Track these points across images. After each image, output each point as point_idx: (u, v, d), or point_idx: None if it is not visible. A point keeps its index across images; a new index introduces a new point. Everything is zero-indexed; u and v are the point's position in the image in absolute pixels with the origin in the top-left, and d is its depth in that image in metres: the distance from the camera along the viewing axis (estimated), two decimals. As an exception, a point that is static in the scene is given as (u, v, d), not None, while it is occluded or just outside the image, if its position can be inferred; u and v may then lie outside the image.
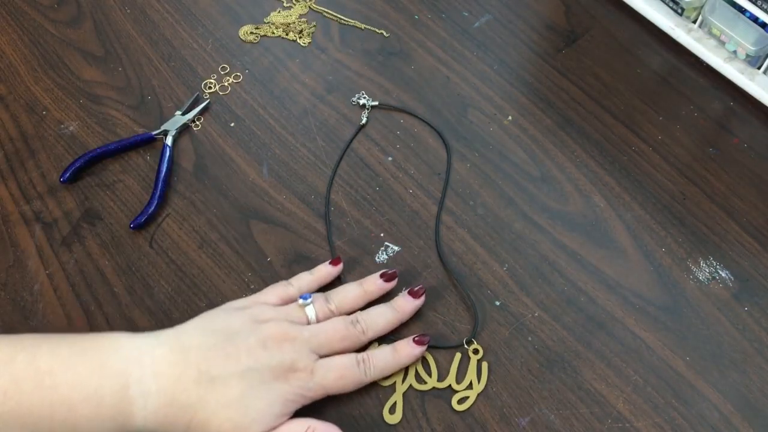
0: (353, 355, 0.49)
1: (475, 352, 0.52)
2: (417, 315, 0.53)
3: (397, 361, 0.50)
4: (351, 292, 0.52)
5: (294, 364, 0.46)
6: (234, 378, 0.45)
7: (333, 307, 0.51)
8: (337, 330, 0.49)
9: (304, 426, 0.46)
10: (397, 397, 0.50)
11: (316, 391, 0.47)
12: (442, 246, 0.56)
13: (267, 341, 0.46)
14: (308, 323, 0.49)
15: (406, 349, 0.50)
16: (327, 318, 0.50)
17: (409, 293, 0.52)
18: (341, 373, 0.48)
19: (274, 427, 0.45)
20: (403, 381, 0.50)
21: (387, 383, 0.50)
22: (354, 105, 0.64)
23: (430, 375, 0.51)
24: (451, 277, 0.55)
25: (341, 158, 0.61)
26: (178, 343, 0.46)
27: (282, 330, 0.47)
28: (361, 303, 0.52)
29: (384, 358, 0.49)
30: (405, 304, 0.52)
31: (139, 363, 0.44)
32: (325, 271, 0.54)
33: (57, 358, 0.43)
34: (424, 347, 0.50)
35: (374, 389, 0.50)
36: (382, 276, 0.52)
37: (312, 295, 0.51)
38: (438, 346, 0.52)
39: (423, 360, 0.51)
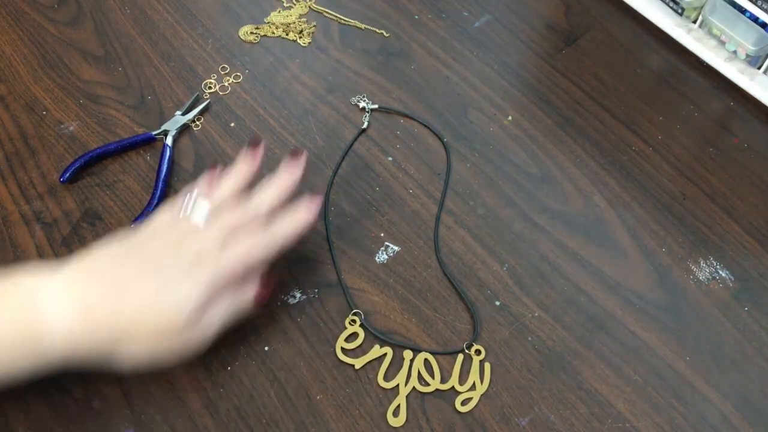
0: (256, 231, 0.49)
1: (477, 353, 0.52)
2: (416, 313, 0.53)
3: (297, 227, 0.50)
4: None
5: (200, 252, 0.46)
6: (145, 278, 0.45)
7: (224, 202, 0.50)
8: (232, 215, 0.49)
9: (226, 303, 0.47)
10: (401, 400, 0.50)
11: (228, 268, 0.47)
12: (441, 247, 0.56)
13: (169, 240, 0.47)
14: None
15: (301, 214, 0.51)
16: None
17: (290, 155, 0.52)
18: (247, 244, 0.48)
19: (200, 311, 0.46)
20: (406, 383, 0.50)
21: (389, 385, 0.50)
22: (354, 105, 0.64)
23: (432, 377, 0.51)
24: (452, 282, 0.55)
25: (342, 160, 0.61)
26: (83, 264, 0.46)
27: (180, 229, 0.48)
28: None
29: (284, 227, 0.50)
30: (285, 173, 0.52)
31: (47, 288, 0.44)
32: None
33: None
34: (317, 207, 0.51)
35: (374, 390, 0.50)
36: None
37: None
38: (440, 352, 0.52)
39: (425, 362, 0.51)
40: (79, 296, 0.44)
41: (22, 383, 0.45)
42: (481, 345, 0.52)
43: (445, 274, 0.55)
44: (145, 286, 0.45)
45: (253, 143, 0.52)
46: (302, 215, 0.51)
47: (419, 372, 0.51)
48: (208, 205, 0.49)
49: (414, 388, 0.50)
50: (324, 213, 0.58)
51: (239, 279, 0.48)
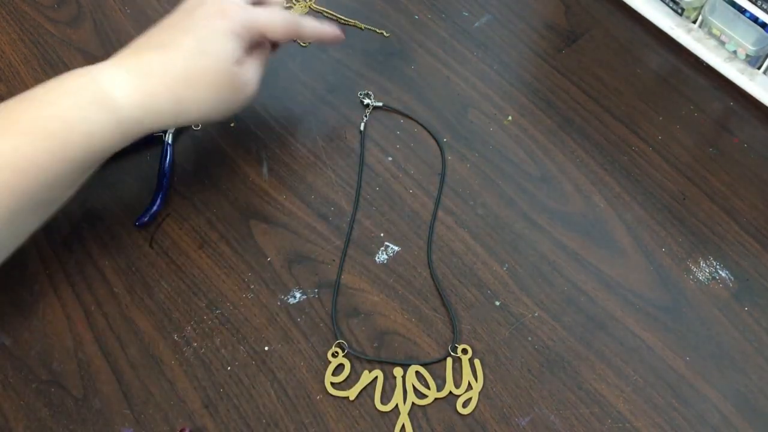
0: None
1: (465, 352, 0.51)
2: (416, 313, 0.53)
3: (321, 32, 0.57)
4: None
5: (223, 7, 0.51)
6: (183, 35, 0.50)
7: None
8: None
9: (266, 48, 0.55)
10: (404, 419, 0.49)
11: (254, 25, 0.52)
12: (441, 247, 0.56)
13: (194, 5, 0.52)
14: None
15: (330, 28, 0.57)
16: None
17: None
18: (275, 15, 0.53)
19: (241, 59, 0.52)
20: (405, 402, 0.50)
21: (388, 408, 0.50)
22: (356, 103, 0.64)
23: (428, 387, 0.50)
24: (437, 287, 0.55)
25: (360, 174, 0.61)
26: (123, 50, 0.51)
27: None
28: None
29: (313, 23, 0.56)
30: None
31: (98, 65, 0.50)
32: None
33: (35, 87, 0.49)
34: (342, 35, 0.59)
35: (371, 416, 0.50)
36: None
37: None
38: (425, 362, 0.52)
39: (417, 374, 0.51)
40: (133, 66, 0.49)
41: (107, 153, 0.50)
42: (480, 345, 0.52)
43: (434, 280, 0.55)
44: (183, 41, 0.50)
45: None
46: (330, 28, 0.57)
47: (414, 386, 0.50)
48: None
49: (413, 403, 0.50)
50: (324, 213, 0.58)
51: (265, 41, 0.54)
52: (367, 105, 0.63)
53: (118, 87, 0.48)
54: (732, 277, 0.55)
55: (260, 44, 0.54)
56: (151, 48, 0.50)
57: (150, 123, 0.50)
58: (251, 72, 0.52)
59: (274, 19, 0.53)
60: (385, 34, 0.69)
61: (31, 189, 0.47)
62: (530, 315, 0.53)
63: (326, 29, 0.57)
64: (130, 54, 0.50)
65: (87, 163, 0.49)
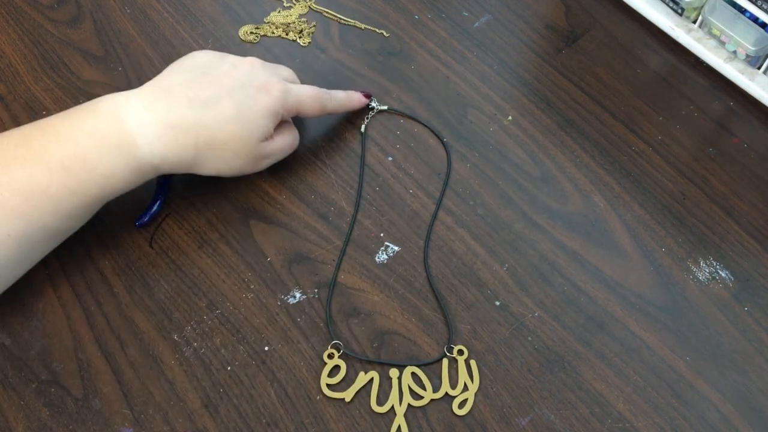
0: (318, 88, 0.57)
1: (461, 353, 0.51)
2: (416, 313, 0.53)
3: (348, 104, 0.61)
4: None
5: (268, 82, 0.53)
6: (223, 98, 0.51)
7: None
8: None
9: (294, 131, 0.57)
10: (400, 420, 0.49)
11: (293, 105, 0.54)
12: (441, 247, 0.56)
13: (238, 63, 0.53)
14: None
15: (357, 96, 0.61)
16: None
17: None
18: (312, 94, 0.56)
19: (269, 135, 0.54)
20: (401, 403, 0.50)
21: (384, 409, 0.49)
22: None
23: (424, 389, 0.50)
24: (433, 289, 0.55)
25: (361, 176, 0.61)
26: (159, 85, 0.51)
27: (248, 58, 0.55)
28: None
29: (340, 97, 0.59)
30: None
31: (127, 103, 0.50)
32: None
33: (57, 117, 0.50)
34: (368, 100, 0.62)
35: (371, 416, 0.50)
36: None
37: None
38: (421, 363, 0.52)
39: (413, 375, 0.51)
40: (164, 116, 0.49)
41: (122, 192, 0.51)
42: (480, 345, 0.52)
43: (429, 281, 0.55)
44: (224, 105, 0.50)
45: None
46: (357, 98, 0.61)
47: (410, 387, 0.50)
48: None
49: (409, 404, 0.50)
50: (325, 213, 0.58)
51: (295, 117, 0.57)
52: (372, 108, 0.63)
53: (144, 134, 0.49)
54: (732, 277, 0.55)
55: (288, 124, 0.57)
56: (188, 101, 0.50)
57: (165, 169, 0.52)
58: (271, 149, 0.55)
59: (309, 98, 0.55)
60: (385, 34, 0.69)
61: (43, 218, 0.48)
62: (530, 315, 0.53)
63: (353, 100, 0.61)
64: (163, 98, 0.50)
65: (102, 200, 0.51)
